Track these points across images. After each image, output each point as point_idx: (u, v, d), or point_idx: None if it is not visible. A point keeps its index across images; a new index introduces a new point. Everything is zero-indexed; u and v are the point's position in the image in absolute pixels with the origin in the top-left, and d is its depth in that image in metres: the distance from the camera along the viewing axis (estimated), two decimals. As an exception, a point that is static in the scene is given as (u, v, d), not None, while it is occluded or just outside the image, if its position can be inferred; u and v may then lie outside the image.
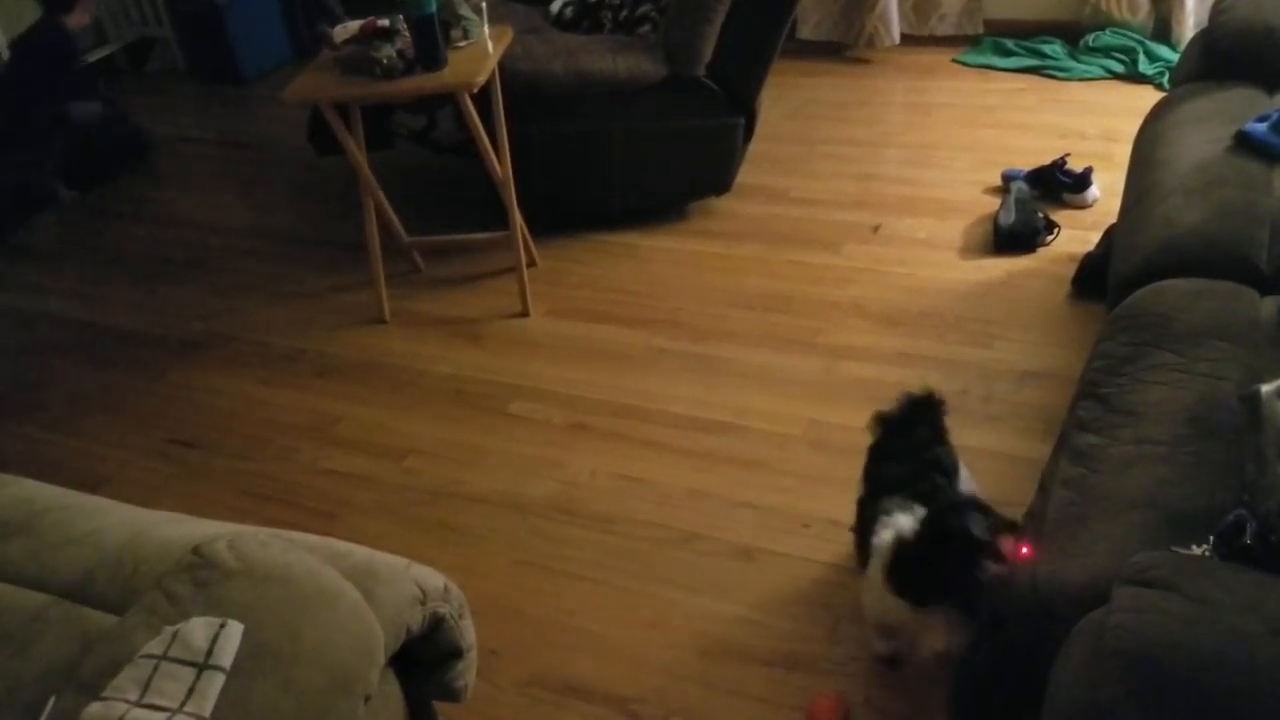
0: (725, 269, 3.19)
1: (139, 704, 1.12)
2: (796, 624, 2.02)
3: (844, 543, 2.19)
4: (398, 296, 3.21)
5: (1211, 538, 1.32)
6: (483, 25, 2.79)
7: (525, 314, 3.07)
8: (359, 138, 2.92)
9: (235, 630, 1.19)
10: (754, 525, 2.26)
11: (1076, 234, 3.12)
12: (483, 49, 2.73)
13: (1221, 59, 2.62)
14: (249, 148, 4.50)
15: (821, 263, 3.17)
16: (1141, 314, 1.87)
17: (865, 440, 2.43)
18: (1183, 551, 1.31)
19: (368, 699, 1.28)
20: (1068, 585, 1.40)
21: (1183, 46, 4.04)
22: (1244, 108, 2.41)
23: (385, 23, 2.72)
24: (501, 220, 3.03)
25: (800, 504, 2.30)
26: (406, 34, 2.66)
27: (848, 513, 2.25)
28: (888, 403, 2.54)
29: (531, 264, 3.25)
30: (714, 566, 2.17)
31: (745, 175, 3.53)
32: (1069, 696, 1.19)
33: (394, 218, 3.16)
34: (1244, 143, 2.26)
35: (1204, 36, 2.74)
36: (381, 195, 3.05)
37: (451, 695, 1.52)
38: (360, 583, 1.35)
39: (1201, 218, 2.08)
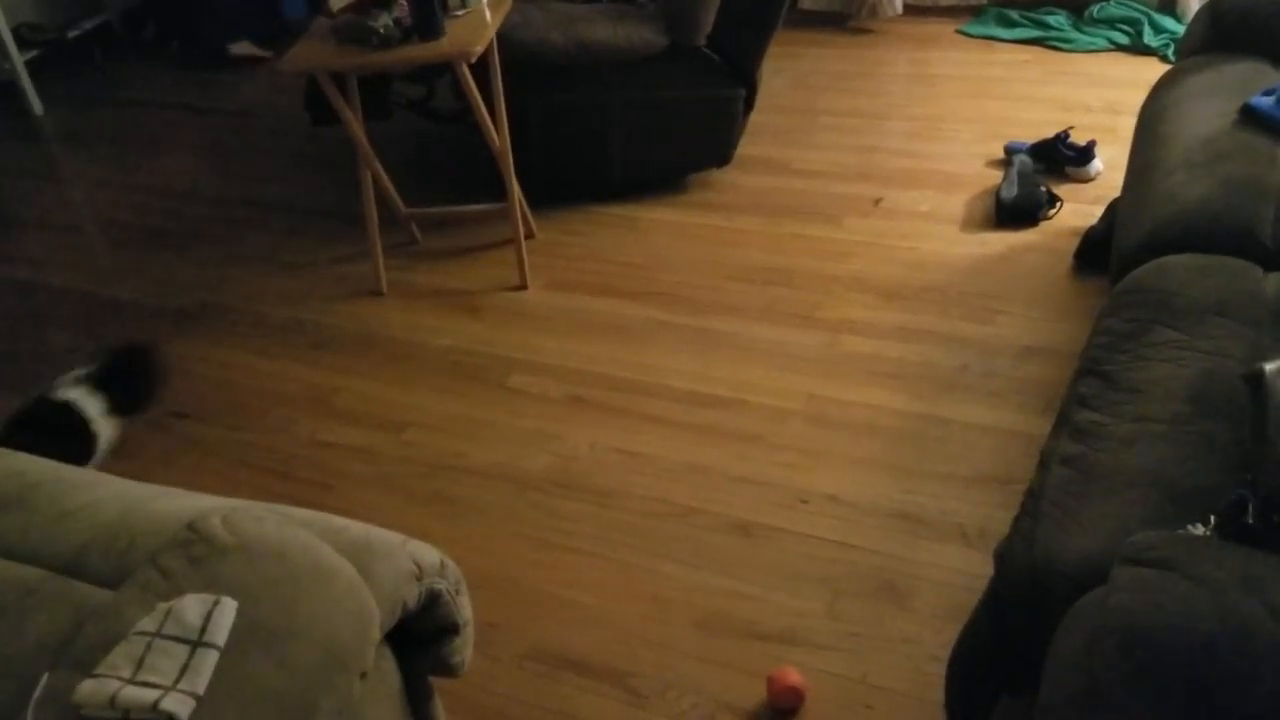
0: (725, 242, 3.17)
1: (132, 681, 1.11)
2: (794, 599, 2.02)
3: (842, 518, 2.18)
4: (395, 268, 3.19)
5: (1213, 517, 1.31)
6: (481, -7, 2.75)
7: (524, 286, 3.05)
8: (356, 108, 2.90)
9: (229, 607, 1.18)
10: (752, 500, 2.25)
11: (1079, 208, 3.10)
12: (481, 18, 2.70)
13: (1228, 32, 2.59)
14: (245, 117, 4.46)
15: (822, 236, 3.15)
16: (1144, 290, 1.85)
17: (866, 415, 2.44)
18: (1184, 531, 1.31)
19: (364, 675, 1.27)
20: (1066, 563, 1.39)
21: (1188, 19, 4.02)
22: (1250, 81, 2.38)
23: (382, -10, 2.68)
24: (500, 191, 3.01)
25: (799, 479, 2.29)
26: (404, 2, 2.63)
27: (847, 487, 2.26)
28: (889, 379, 2.55)
29: (530, 236, 3.23)
30: (712, 541, 2.17)
31: (745, 147, 3.51)
32: (1066, 675, 1.19)
33: (391, 189, 3.14)
34: (1250, 117, 2.24)
35: (1211, 9, 2.70)
36: (379, 166, 3.02)
37: (449, 670, 1.51)
38: (356, 559, 1.33)
39: (1206, 193, 2.05)
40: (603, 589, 2.10)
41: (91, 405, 2.44)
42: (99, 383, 2.48)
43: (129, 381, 2.54)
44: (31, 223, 3.85)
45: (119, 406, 2.50)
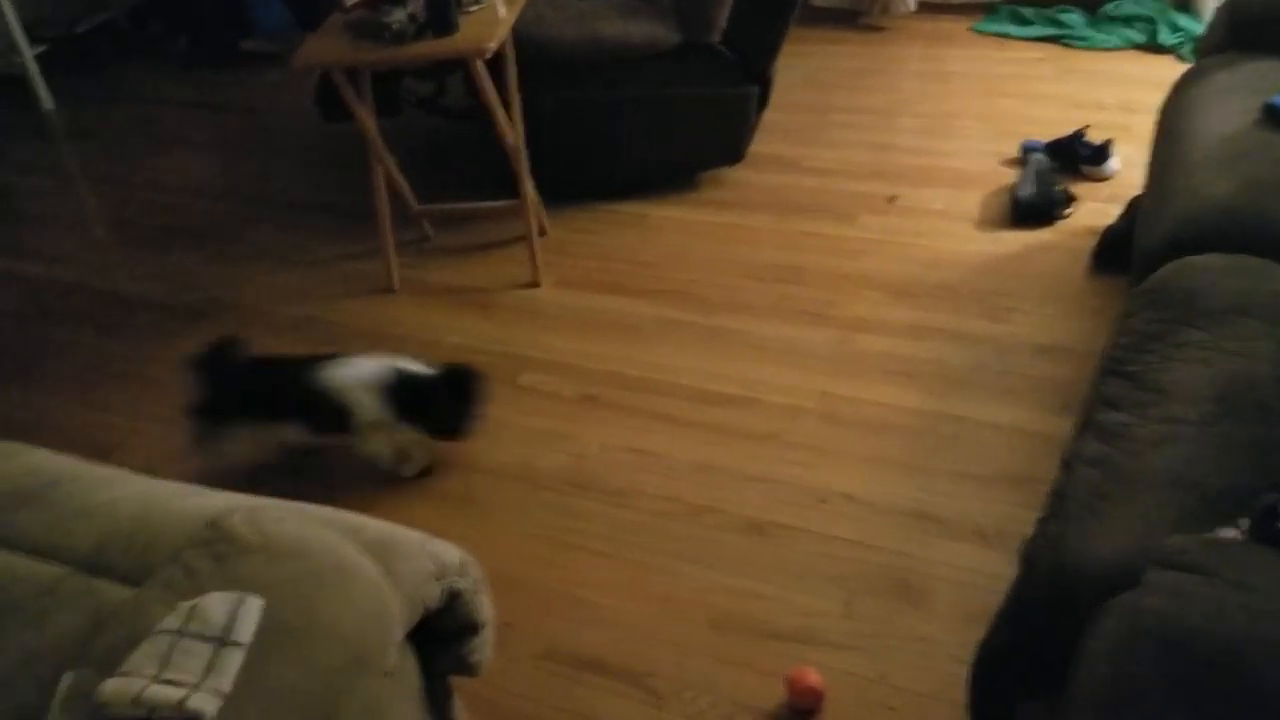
0: (737, 240, 3.16)
1: (157, 680, 1.10)
2: (810, 599, 2.01)
3: (858, 517, 2.17)
4: (407, 265, 3.18)
5: (1245, 521, 1.29)
6: (495, -11, 2.74)
7: (536, 284, 3.04)
8: (369, 104, 2.88)
9: (254, 606, 1.17)
10: (766, 499, 2.24)
11: (1096, 207, 3.08)
12: (495, 14, 2.68)
13: (1249, 30, 2.57)
14: (254, 113, 4.45)
15: (835, 234, 3.13)
16: (1168, 290, 1.84)
17: (879, 414, 2.42)
18: (1215, 535, 1.29)
19: (386, 675, 1.26)
20: (1093, 565, 1.38)
21: (1204, 17, 4.00)
22: (1271, 80, 2.36)
23: (396, -14, 2.67)
24: (511, 188, 2.99)
25: (813, 478, 2.28)
26: (418, -3, 2.62)
27: (862, 486, 2.24)
28: (903, 377, 2.53)
29: (542, 233, 3.22)
30: (726, 540, 2.16)
31: (757, 144, 3.49)
32: (1099, 679, 1.17)
33: (404, 185, 3.13)
34: (1272, 116, 2.22)
35: (1231, 7, 2.68)
36: (391, 162, 3.01)
37: (469, 670, 1.51)
38: (378, 558, 1.32)
39: (1229, 191, 2.04)
40: (617, 589, 2.08)
41: (353, 387, 2.25)
42: (399, 389, 2.27)
43: (438, 400, 2.32)
44: (41, 218, 3.84)
45: (425, 422, 2.32)
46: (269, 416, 2.39)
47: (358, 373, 2.29)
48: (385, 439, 2.34)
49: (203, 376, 2.36)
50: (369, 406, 2.28)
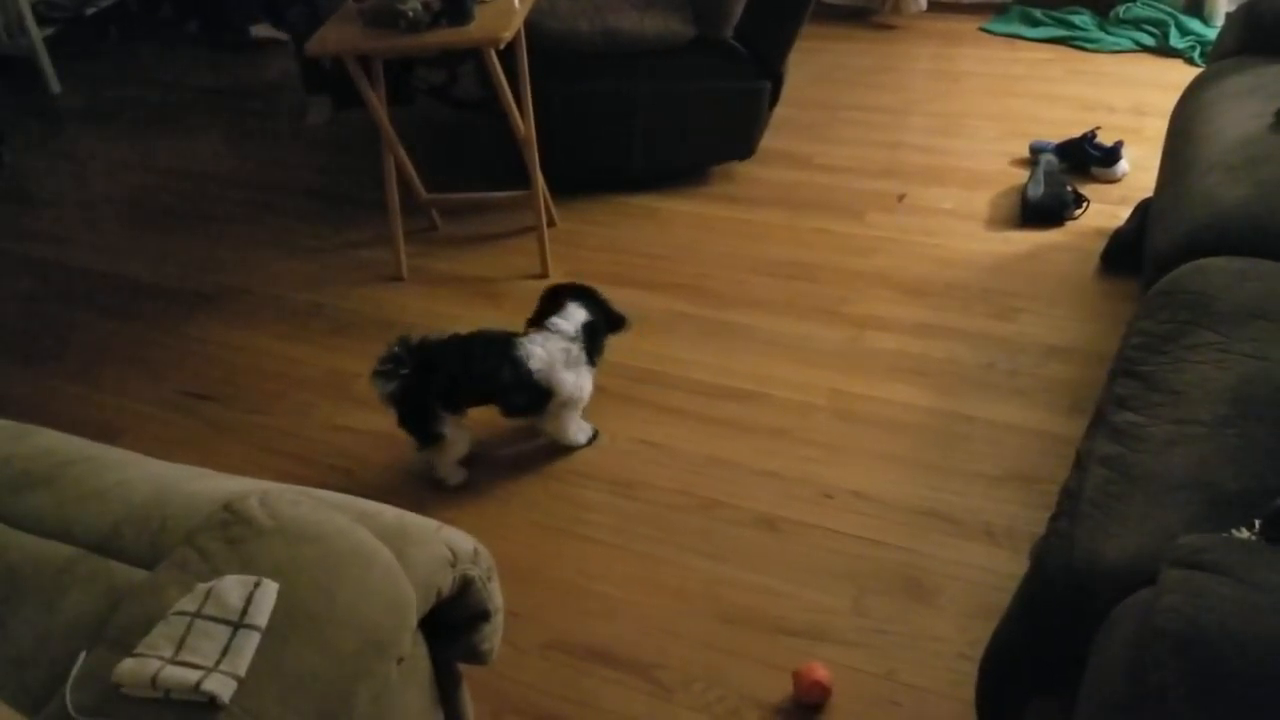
0: (748, 235, 3.16)
1: (173, 661, 1.10)
2: (819, 595, 2.01)
3: (868, 514, 2.17)
4: (415, 254, 3.17)
5: (1258, 521, 1.29)
6: (510, -21, 2.73)
7: (545, 275, 3.03)
8: (381, 92, 2.88)
9: (270, 589, 1.17)
10: (776, 494, 2.24)
11: (1105, 208, 3.07)
12: (510, 4, 2.68)
13: (1264, 34, 2.57)
14: (263, 99, 4.45)
15: (846, 231, 3.13)
16: (1181, 292, 1.83)
17: (890, 411, 2.42)
18: (1228, 535, 1.29)
19: (400, 661, 1.26)
20: (1106, 564, 1.38)
21: (1215, 21, 4.00)
22: (1286, 84, 2.36)
23: (411, -26, 2.66)
24: (521, 179, 2.99)
25: (823, 474, 2.28)
26: (433, -14, 2.61)
27: (872, 483, 2.24)
28: (913, 375, 2.53)
29: (551, 224, 3.21)
30: (736, 535, 2.16)
31: (768, 140, 3.48)
32: (1114, 678, 1.17)
33: (413, 174, 3.12)
34: (1287, 120, 2.22)
35: (1247, 11, 2.68)
36: (401, 151, 3.01)
37: (478, 658, 1.50)
38: (391, 543, 1.32)
39: (1244, 195, 2.03)
40: (625, 580, 2.08)
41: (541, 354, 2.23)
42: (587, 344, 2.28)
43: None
44: (49, 201, 3.83)
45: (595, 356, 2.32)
46: (472, 402, 2.30)
47: (555, 352, 2.25)
48: (571, 413, 2.35)
49: (403, 378, 2.22)
50: (569, 384, 2.27)
